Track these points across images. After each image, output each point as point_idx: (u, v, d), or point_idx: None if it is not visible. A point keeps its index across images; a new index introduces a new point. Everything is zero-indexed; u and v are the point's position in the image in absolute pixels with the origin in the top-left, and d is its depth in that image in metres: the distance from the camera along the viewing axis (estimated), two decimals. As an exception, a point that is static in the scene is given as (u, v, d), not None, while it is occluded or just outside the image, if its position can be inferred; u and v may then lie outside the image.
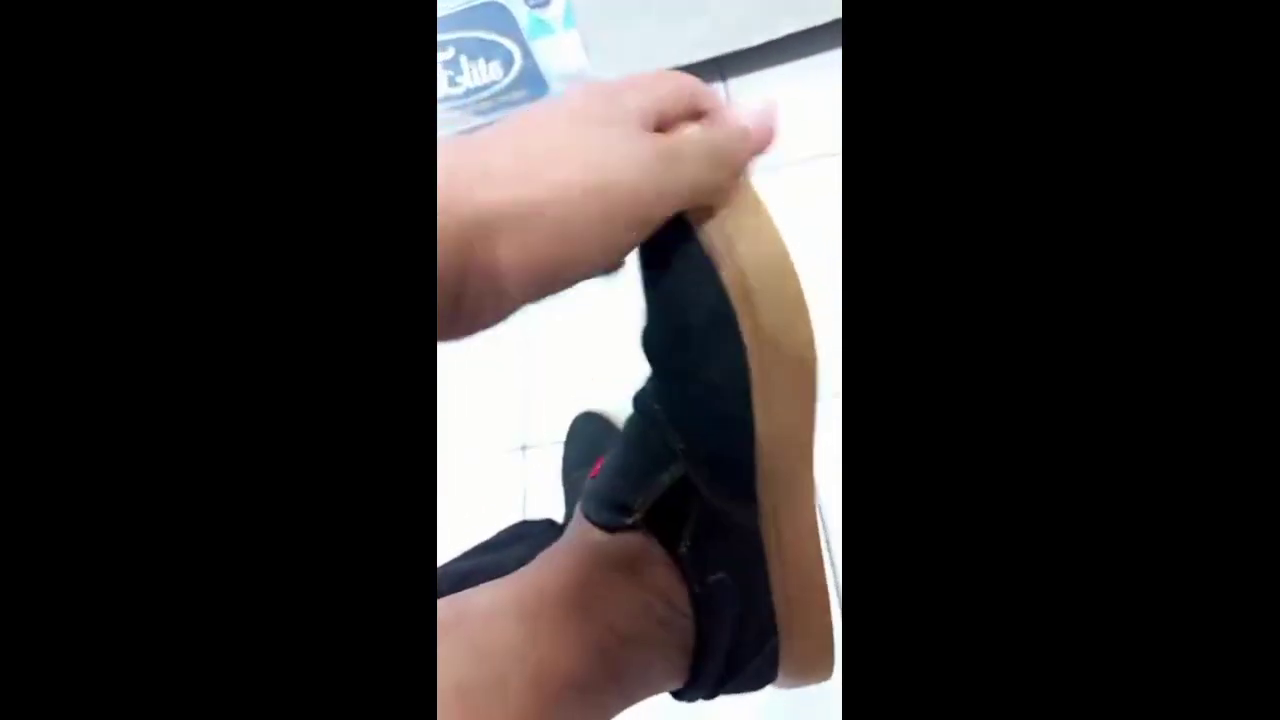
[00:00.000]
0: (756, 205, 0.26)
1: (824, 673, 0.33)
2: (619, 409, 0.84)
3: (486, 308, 0.20)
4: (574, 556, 0.30)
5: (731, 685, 0.32)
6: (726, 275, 0.25)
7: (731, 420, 0.27)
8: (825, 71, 0.94)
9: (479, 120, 0.96)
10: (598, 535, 0.29)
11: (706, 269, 0.25)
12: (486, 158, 0.20)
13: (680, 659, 0.30)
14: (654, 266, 0.27)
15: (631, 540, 0.29)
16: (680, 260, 0.26)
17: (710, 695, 0.32)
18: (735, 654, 0.30)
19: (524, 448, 0.86)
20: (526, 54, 0.83)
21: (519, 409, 0.89)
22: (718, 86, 0.97)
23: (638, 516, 0.28)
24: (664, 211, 0.23)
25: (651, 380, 0.30)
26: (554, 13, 0.77)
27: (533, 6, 0.76)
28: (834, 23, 0.88)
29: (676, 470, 0.28)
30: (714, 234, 0.25)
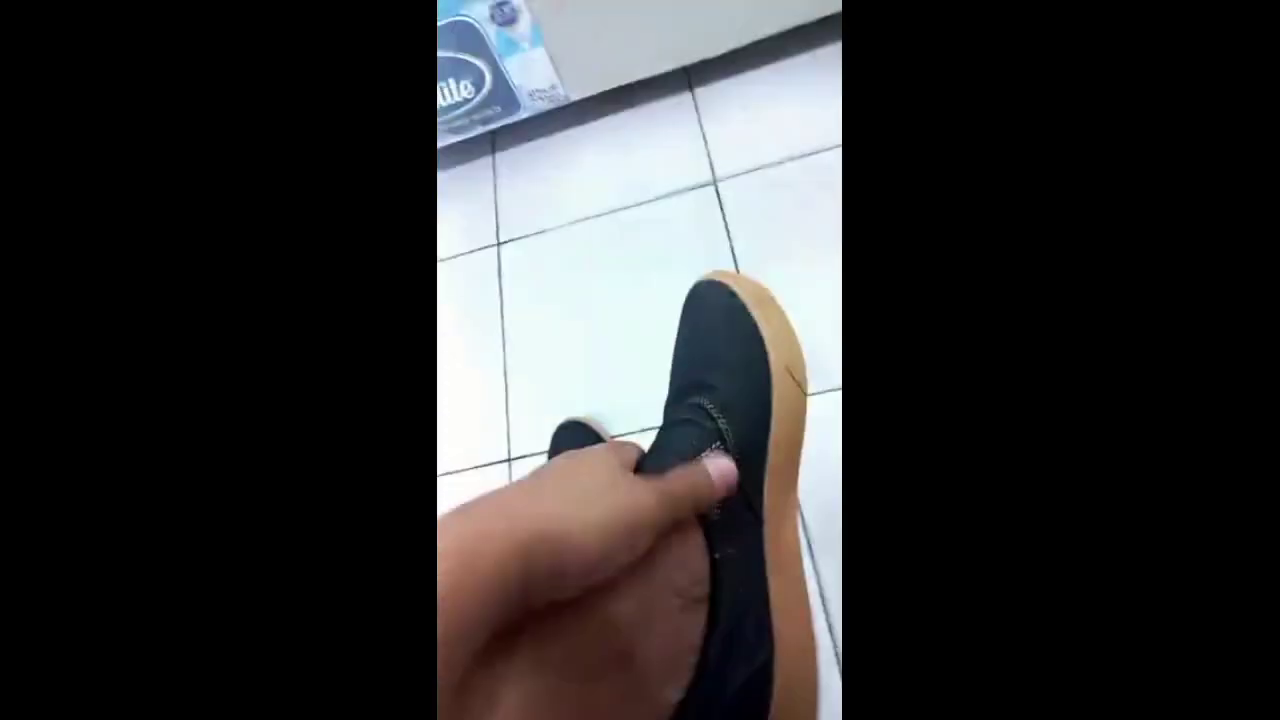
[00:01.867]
0: (773, 302, 0.41)
1: (809, 691, 0.35)
2: (599, 416, 0.85)
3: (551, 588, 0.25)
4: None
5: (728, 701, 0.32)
6: (771, 353, 0.38)
7: (758, 418, 0.36)
8: (791, 76, 0.96)
9: (454, 138, 0.97)
10: None
11: (753, 330, 0.38)
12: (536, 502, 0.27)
13: (696, 628, 0.31)
14: (713, 321, 0.40)
15: None
16: (736, 325, 0.39)
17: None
18: (734, 641, 0.32)
19: (509, 459, 0.87)
20: (497, 72, 0.84)
21: (502, 420, 0.89)
22: (685, 96, 0.99)
23: None
24: (660, 527, 0.30)
25: (687, 390, 0.38)
26: (521, 30, 0.78)
27: (500, 24, 0.78)
28: (798, 28, 0.90)
29: (717, 449, 0.34)
30: (756, 313, 0.39)
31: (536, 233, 0.98)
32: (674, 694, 0.30)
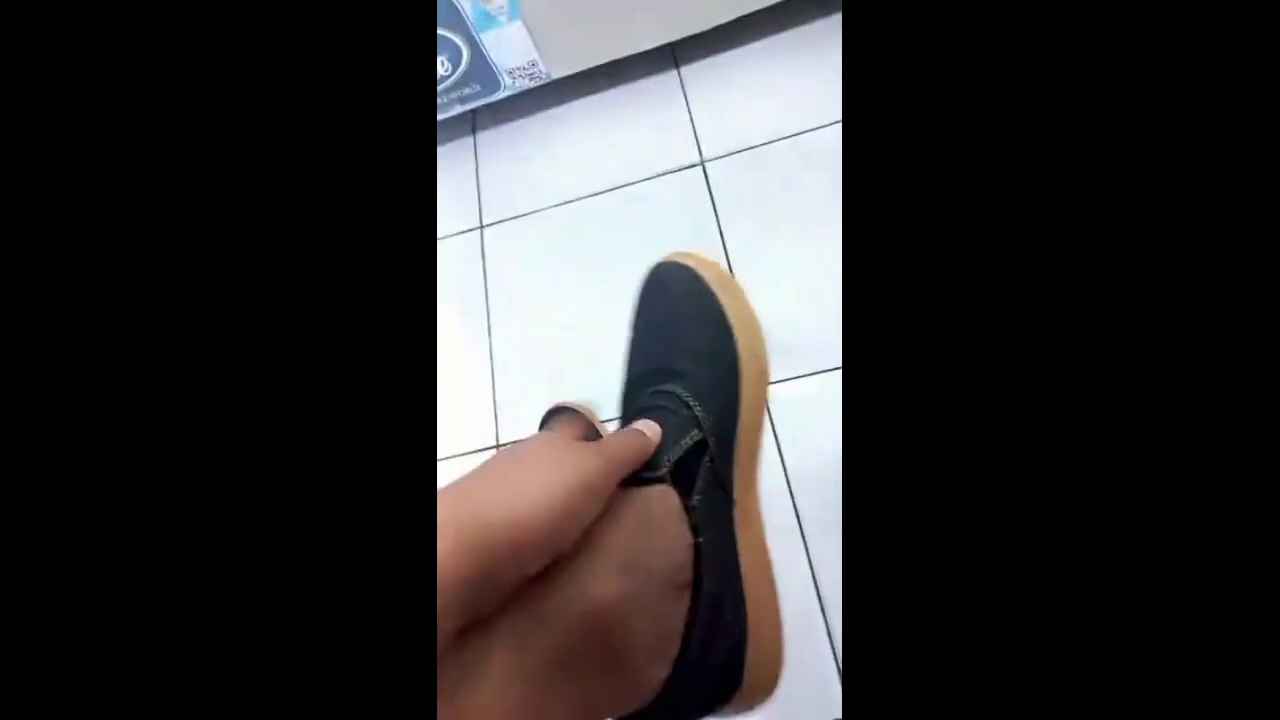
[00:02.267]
0: (735, 285, 0.41)
1: (775, 668, 0.37)
2: (588, 401, 0.83)
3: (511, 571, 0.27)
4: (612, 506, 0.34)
5: (701, 680, 0.33)
6: (738, 337, 0.39)
7: (728, 404, 0.37)
8: (780, 52, 0.94)
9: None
10: (629, 490, 0.34)
11: (721, 317, 0.39)
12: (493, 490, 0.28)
13: (680, 613, 0.33)
14: (680, 305, 0.40)
15: (658, 491, 0.34)
16: (705, 310, 0.40)
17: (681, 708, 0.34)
18: (715, 623, 0.33)
19: (497, 445, 0.86)
20: (475, 47, 0.81)
21: (489, 405, 0.88)
22: (671, 74, 0.97)
23: (665, 471, 0.34)
24: (605, 491, 0.31)
25: (655, 376, 0.39)
26: (498, 3, 0.76)
27: (477, -2, 0.75)
28: (783, 3, 0.88)
29: (695, 436, 0.36)
30: (723, 299, 0.40)
31: (520, 215, 0.96)
32: (660, 673, 0.32)
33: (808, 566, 0.69)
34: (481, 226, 0.98)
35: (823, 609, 0.67)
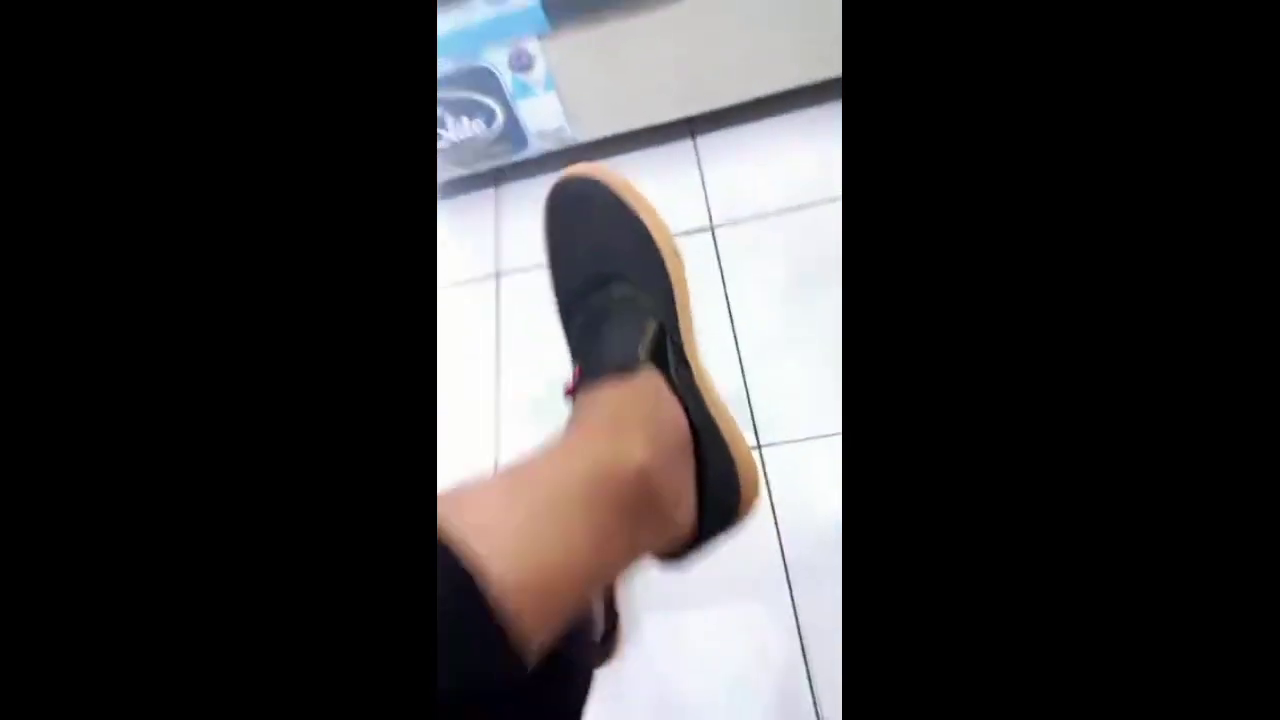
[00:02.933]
0: (629, 185, 0.47)
1: (755, 473, 0.44)
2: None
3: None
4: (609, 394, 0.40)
5: (712, 510, 0.41)
6: (652, 229, 0.46)
7: (665, 289, 0.44)
8: (787, 132, 1.00)
9: (460, 171, 1.00)
10: (621, 382, 0.40)
11: (635, 216, 0.46)
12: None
13: (690, 467, 0.40)
14: (596, 214, 0.46)
15: (646, 375, 0.41)
16: (622, 214, 0.46)
17: (704, 532, 0.41)
18: (720, 466, 0.41)
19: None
20: (509, 112, 0.87)
21: (490, 460, 0.91)
22: (686, 143, 1.03)
23: (645, 358, 0.41)
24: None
25: (597, 282, 0.45)
26: (536, 76, 0.82)
27: (516, 71, 0.81)
28: (801, 89, 0.95)
29: (653, 324, 0.43)
30: (627, 198, 0.46)
31: (536, 266, 1.01)
32: (686, 518, 0.39)
33: (793, 618, 0.71)
34: (498, 275, 1.02)
35: (802, 640, 0.69)
